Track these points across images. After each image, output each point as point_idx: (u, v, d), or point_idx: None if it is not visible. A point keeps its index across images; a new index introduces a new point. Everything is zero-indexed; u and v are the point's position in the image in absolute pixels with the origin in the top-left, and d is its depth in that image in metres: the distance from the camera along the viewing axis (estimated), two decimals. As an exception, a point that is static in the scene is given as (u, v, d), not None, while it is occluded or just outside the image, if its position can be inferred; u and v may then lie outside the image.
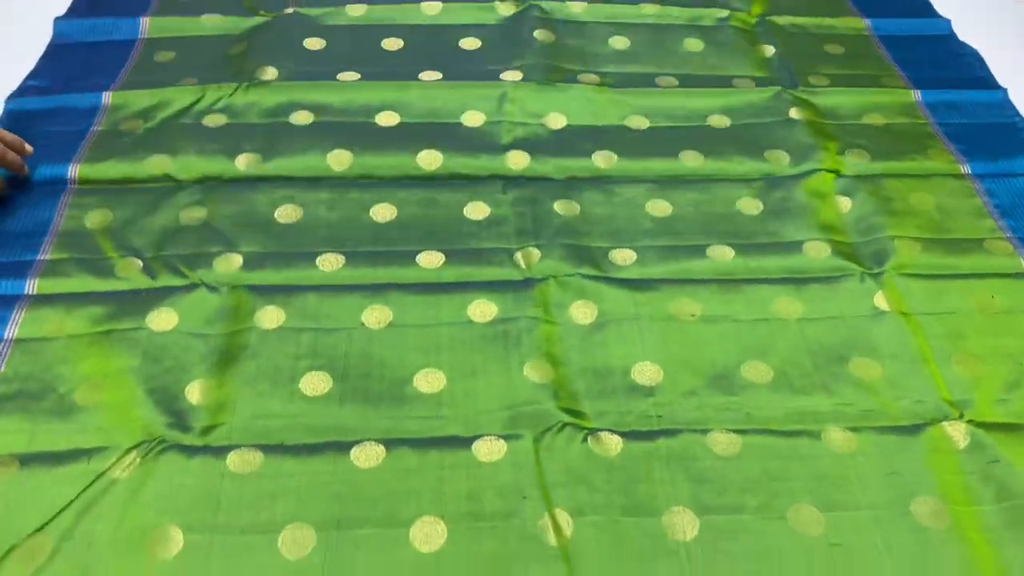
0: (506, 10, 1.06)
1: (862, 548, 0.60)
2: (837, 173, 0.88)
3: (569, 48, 1.02)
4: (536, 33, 1.03)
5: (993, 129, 0.94)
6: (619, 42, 1.04)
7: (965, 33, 1.07)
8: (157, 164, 0.85)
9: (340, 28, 1.03)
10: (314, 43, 1.01)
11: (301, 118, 0.91)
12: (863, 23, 1.08)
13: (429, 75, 0.97)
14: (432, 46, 1.01)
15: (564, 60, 1.00)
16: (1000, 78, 1.00)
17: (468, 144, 0.89)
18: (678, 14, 1.08)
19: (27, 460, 0.62)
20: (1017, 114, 0.96)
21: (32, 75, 0.95)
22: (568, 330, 0.73)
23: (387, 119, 0.92)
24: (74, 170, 0.84)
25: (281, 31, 1.02)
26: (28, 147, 0.82)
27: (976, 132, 0.93)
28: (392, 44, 1.01)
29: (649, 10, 1.08)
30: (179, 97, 0.92)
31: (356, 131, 0.90)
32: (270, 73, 0.96)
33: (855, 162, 0.89)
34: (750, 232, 0.82)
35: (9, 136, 0.81)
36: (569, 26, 1.05)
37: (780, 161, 0.89)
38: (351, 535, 0.59)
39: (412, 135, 0.90)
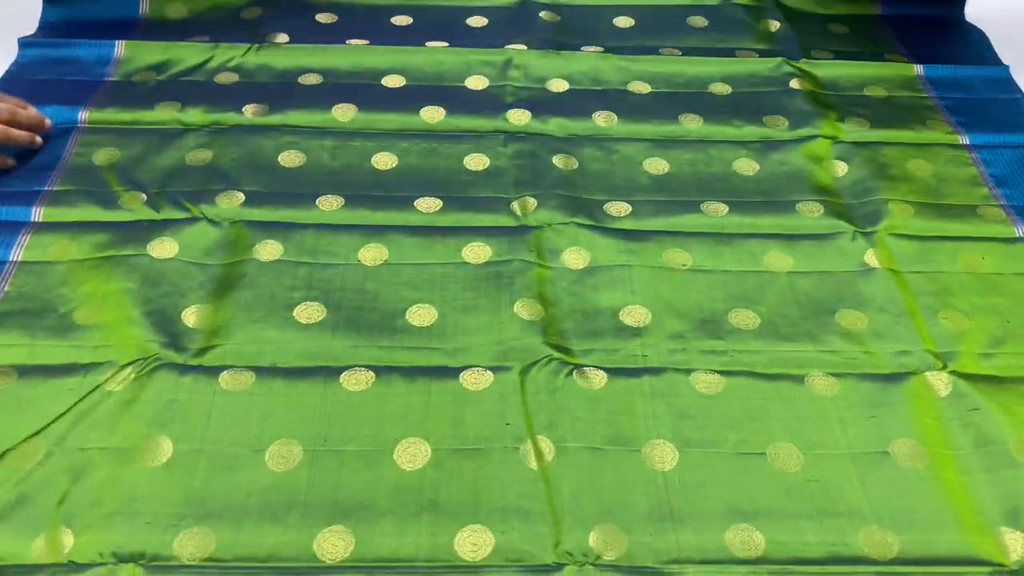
0: None
1: (839, 484, 0.60)
2: (835, 139, 0.88)
3: (574, 26, 1.03)
4: (542, 14, 1.04)
5: (994, 104, 0.94)
6: (623, 21, 1.05)
7: (972, 13, 1.08)
8: (166, 111, 0.87)
9: (351, 4, 1.05)
10: (326, 17, 1.03)
11: (310, 79, 0.93)
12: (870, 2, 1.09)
13: (436, 45, 0.98)
14: (440, 23, 1.03)
15: (568, 36, 1.01)
16: (1004, 57, 1.01)
17: (471, 105, 0.91)
18: None
19: (25, 372, 0.64)
20: (1019, 91, 0.96)
21: (44, 16, 0.97)
22: (560, 274, 0.74)
23: (393, 81, 0.93)
24: (85, 115, 0.86)
25: (293, 2, 1.04)
26: (48, 122, 0.83)
27: (976, 106, 0.94)
28: (401, 20, 1.03)
29: None
30: (191, 53, 0.94)
31: (362, 91, 0.91)
32: (281, 38, 0.98)
33: (854, 129, 0.89)
34: (745, 191, 0.83)
35: (26, 116, 0.81)
36: (574, 8, 1.06)
37: (779, 126, 0.90)
38: (337, 452, 0.61)
39: (417, 96, 0.91)
